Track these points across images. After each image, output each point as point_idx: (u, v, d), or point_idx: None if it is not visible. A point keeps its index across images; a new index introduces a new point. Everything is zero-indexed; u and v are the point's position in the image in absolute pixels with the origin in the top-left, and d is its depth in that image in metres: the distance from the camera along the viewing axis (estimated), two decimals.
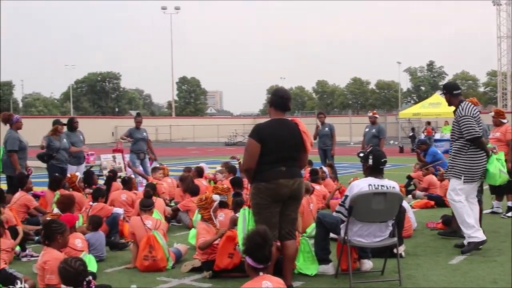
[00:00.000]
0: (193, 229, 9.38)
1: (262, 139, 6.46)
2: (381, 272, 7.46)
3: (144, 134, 15.78)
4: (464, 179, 8.58)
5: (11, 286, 6.67)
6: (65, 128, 13.75)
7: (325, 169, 14.08)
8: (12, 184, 11.82)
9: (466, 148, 8.60)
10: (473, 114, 8.60)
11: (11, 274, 6.99)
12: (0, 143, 12.56)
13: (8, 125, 12.40)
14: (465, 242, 8.60)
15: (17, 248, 8.74)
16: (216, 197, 8.00)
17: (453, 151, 8.81)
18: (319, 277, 7.44)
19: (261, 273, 4.82)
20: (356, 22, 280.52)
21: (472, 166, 8.58)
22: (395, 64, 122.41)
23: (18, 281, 6.83)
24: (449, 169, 8.91)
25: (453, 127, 8.87)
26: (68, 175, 11.92)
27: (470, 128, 8.49)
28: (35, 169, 15.14)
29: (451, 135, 8.96)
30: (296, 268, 7.50)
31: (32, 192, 11.61)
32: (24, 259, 8.68)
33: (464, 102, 8.74)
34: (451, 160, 8.83)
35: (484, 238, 8.57)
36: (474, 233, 8.50)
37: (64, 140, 13.34)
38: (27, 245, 9.13)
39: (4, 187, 11.90)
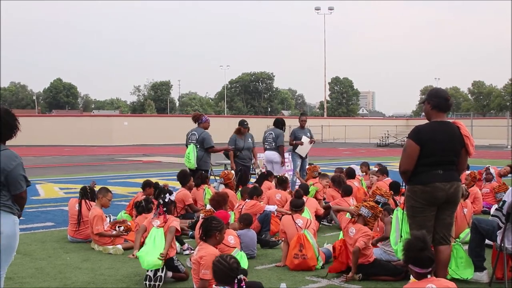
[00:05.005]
0: None
1: (421, 142, 6.27)
2: None
3: (308, 134, 15.64)
4: None
5: None
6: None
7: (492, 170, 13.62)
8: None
9: None
10: None
11: (177, 267, 7.42)
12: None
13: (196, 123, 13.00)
14: None
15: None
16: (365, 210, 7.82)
17: None
18: (472, 284, 7.17)
19: (429, 276, 4.83)
20: None
21: None
22: None
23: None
24: None
25: None
26: (225, 171, 12.30)
27: None
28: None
29: None
30: (449, 274, 7.27)
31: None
32: (187, 252, 8.89)
33: None
34: None
35: None
36: None
37: (249, 139, 13.88)
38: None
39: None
